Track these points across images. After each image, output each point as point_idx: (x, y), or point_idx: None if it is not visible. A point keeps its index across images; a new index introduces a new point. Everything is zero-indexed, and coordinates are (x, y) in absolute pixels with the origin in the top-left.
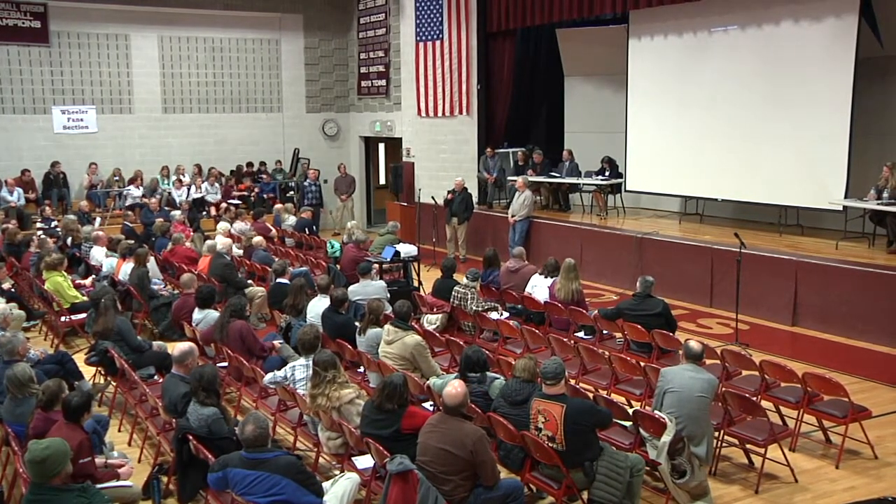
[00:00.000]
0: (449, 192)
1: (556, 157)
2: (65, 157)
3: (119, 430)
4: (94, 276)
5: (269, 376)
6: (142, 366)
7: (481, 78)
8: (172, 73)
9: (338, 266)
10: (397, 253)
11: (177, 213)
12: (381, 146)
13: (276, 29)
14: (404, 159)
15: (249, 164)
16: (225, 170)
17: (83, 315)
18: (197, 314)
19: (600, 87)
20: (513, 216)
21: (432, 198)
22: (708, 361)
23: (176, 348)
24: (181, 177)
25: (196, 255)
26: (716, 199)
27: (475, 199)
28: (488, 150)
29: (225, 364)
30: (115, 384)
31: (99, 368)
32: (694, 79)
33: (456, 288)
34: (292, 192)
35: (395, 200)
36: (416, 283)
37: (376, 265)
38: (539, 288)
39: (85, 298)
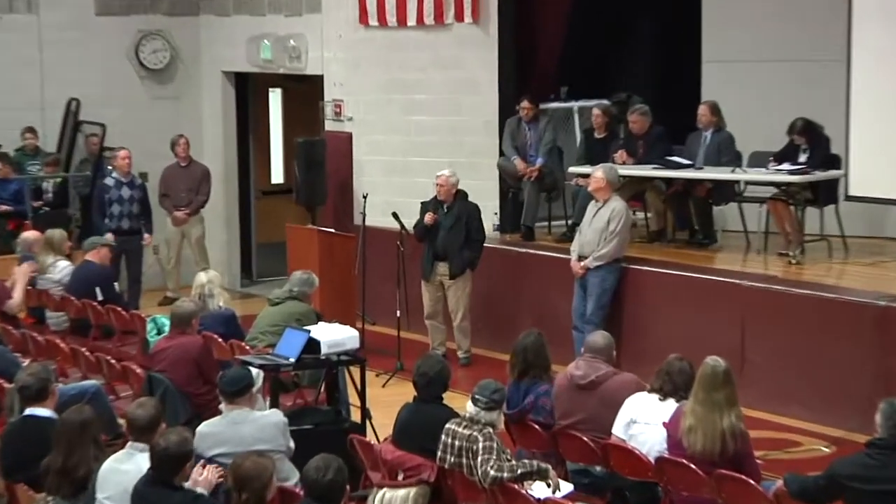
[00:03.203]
0: (425, 205)
1: (680, 122)
2: None
3: None
4: None
5: None
6: None
7: None
8: None
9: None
10: (313, 345)
11: None
12: (275, 95)
13: None
14: (328, 127)
15: None
16: None
17: None
18: None
19: None
20: (582, 258)
21: (394, 216)
22: None
23: None
24: None
25: None
26: None
27: (490, 218)
28: (524, 104)
29: None
30: None
31: None
32: None
33: (449, 426)
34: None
35: (309, 223)
36: (355, 416)
37: (263, 373)
38: (646, 426)
39: None
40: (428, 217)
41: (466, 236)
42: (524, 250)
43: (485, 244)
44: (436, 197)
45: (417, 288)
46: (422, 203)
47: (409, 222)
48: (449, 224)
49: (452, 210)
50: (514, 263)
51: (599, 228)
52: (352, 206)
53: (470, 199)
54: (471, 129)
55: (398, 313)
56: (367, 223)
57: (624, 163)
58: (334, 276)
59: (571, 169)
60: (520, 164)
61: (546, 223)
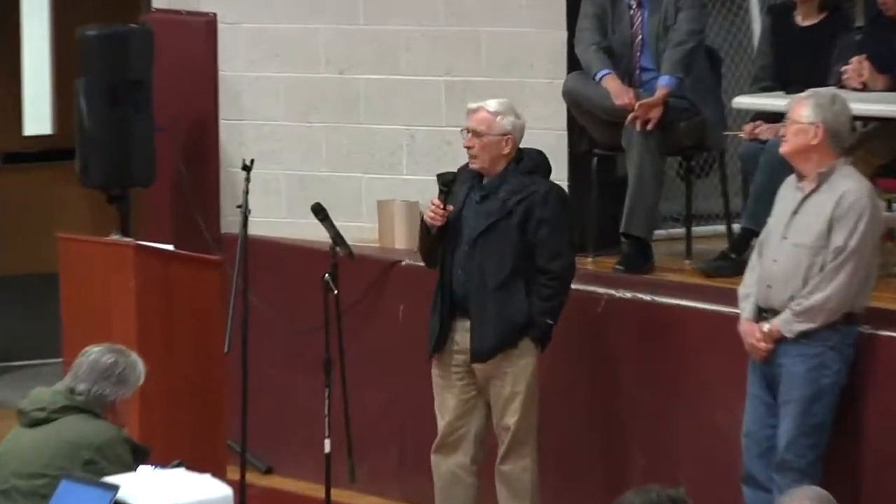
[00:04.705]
0: (449, 180)
1: None
2: None
3: None
4: None
5: None
6: None
7: None
8: None
9: None
10: None
11: None
12: None
13: None
14: (157, 2)
15: None
16: None
17: None
18: None
19: None
20: (766, 314)
21: (317, 213)
22: None
23: None
24: None
25: None
26: None
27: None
28: None
29: None
30: None
31: None
32: None
33: None
34: None
35: (114, 232)
36: None
37: None
38: None
39: None
40: (430, 210)
41: (520, 257)
42: (629, 296)
43: (573, 264)
44: (468, 164)
45: (379, 385)
46: (439, 176)
47: (354, 227)
48: (479, 225)
49: (496, 193)
50: (606, 324)
51: (809, 245)
52: (216, 190)
53: (532, 164)
54: (500, 4)
55: (327, 445)
56: (254, 232)
57: (864, 87)
58: (178, 359)
59: (739, 100)
60: (617, 91)
61: (680, 230)
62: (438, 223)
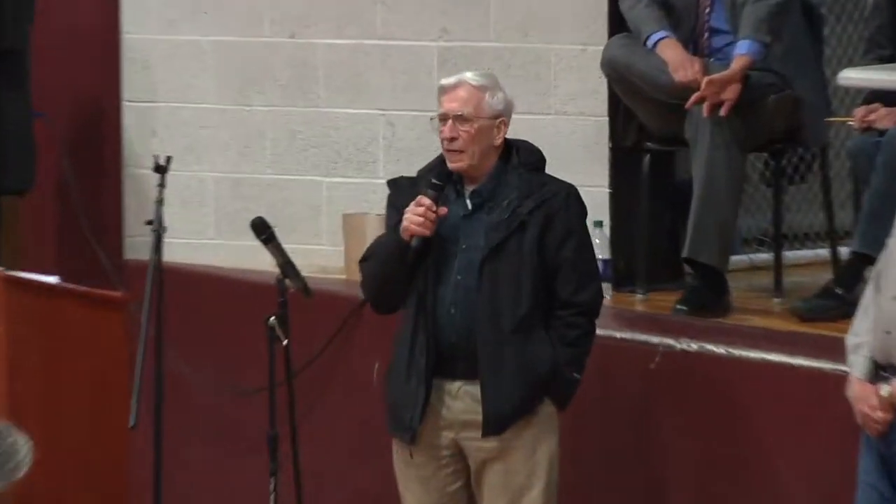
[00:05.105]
0: (404, 187)
1: None
2: None
3: None
4: None
5: None
6: None
7: None
8: None
9: None
10: None
11: None
12: None
13: None
14: None
15: None
16: None
17: None
18: None
19: None
20: (885, 371)
21: (258, 230)
22: None
23: None
24: None
25: None
26: None
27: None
28: None
29: None
30: None
31: None
32: None
33: None
34: None
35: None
36: None
37: None
38: None
39: None
40: (414, 214)
41: (539, 285)
42: (694, 347)
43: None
44: (441, 161)
45: (343, 469)
46: (390, 182)
47: (311, 251)
48: (481, 244)
49: (494, 199)
50: (661, 385)
51: None
52: (118, 199)
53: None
54: None
55: None
56: (171, 258)
57: None
58: (65, 433)
59: (847, 74)
60: (678, 61)
61: (767, 256)
62: (428, 232)
